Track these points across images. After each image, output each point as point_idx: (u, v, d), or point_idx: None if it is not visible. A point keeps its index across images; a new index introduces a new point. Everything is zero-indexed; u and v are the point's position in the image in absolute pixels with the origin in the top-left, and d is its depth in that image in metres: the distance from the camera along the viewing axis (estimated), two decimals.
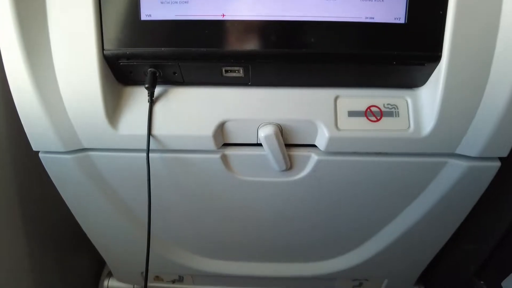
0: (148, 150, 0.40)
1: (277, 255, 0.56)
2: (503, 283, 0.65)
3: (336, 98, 0.41)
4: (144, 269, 0.58)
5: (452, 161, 0.43)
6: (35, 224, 0.56)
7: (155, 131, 0.41)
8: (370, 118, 0.41)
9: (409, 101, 0.41)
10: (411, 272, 0.60)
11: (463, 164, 0.43)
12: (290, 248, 0.54)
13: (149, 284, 0.62)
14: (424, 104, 0.41)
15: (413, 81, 0.41)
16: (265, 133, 0.40)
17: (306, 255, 0.56)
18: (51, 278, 0.63)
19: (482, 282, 0.67)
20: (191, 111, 0.41)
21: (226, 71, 0.40)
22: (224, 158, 0.43)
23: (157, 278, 0.61)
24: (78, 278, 0.74)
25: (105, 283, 0.65)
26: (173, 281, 0.61)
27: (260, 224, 0.50)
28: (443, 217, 0.49)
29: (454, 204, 0.47)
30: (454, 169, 0.43)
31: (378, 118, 0.41)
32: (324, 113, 0.41)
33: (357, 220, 0.50)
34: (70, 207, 0.49)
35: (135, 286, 0.64)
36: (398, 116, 0.41)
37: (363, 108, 0.41)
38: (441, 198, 0.46)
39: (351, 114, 0.41)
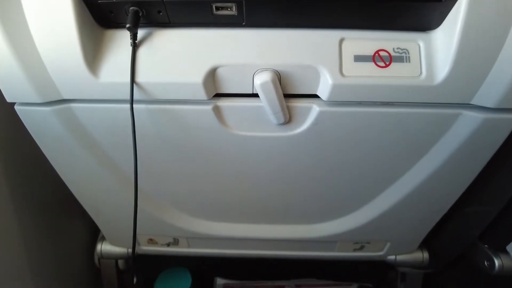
0: (131, 100, 0.37)
1: (275, 216, 0.53)
2: (508, 247, 0.64)
3: (341, 41, 0.37)
4: (138, 232, 0.56)
5: (467, 113, 0.39)
6: (24, 188, 0.53)
7: (139, 78, 0.37)
8: (378, 63, 0.37)
9: (422, 45, 0.37)
10: (414, 235, 0.57)
11: (479, 116, 0.39)
12: (288, 209, 0.51)
13: (142, 247, 0.61)
14: (438, 49, 0.36)
15: (427, 22, 0.37)
16: (261, 80, 0.36)
17: (305, 217, 0.53)
18: (43, 244, 0.61)
19: (486, 246, 0.65)
20: (178, 56, 0.37)
21: (217, 8, 0.35)
22: (217, 110, 0.39)
23: (151, 241, 0.59)
24: (72, 244, 0.73)
25: (98, 247, 0.63)
26: (168, 244, 0.59)
27: (256, 183, 0.47)
28: (452, 175, 0.46)
29: (465, 161, 0.44)
30: (468, 121, 0.40)
31: (387, 63, 0.37)
32: (327, 57, 0.36)
33: (361, 179, 0.47)
34: (54, 166, 0.46)
35: (129, 250, 0.62)
36: (409, 61, 0.37)
37: (370, 52, 0.37)
38: (452, 154, 0.43)
39: (358, 59, 0.37)
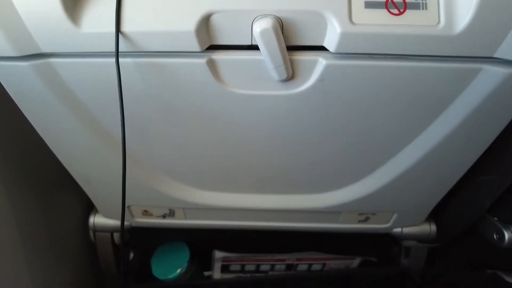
0: (117, 51, 0.33)
1: (276, 185, 0.50)
2: None
3: None
4: (131, 203, 0.53)
5: (488, 68, 0.35)
6: (12, 159, 0.50)
7: (125, 27, 0.33)
8: (391, 10, 0.33)
9: None
10: (422, 207, 0.55)
11: (502, 71, 0.35)
12: (290, 177, 0.48)
13: (137, 219, 0.58)
14: None
15: None
16: (261, 27, 0.32)
17: (308, 185, 0.50)
18: (35, 219, 0.59)
19: (495, 218, 0.63)
20: (168, 1, 0.33)
21: None
22: (211, 64, 0.35)
23: (146, 213, 0.56)
24: (66, 219, 0.70)
25: (91, 220, 0.60)
26: (163, 216, 0.56)
27: (256, 147, 0.44)
28: (467, 140, 0.43)
29: (482, 123, 0.41)
30: (489, 77, 0.36)
31: (401, 10, 0.33)
32: (335, 3, 0.32)
33: (369, 143, 0.43)
34: (36, 128, 0.43)
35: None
36: (426, 8, 0.33)
37: None
38: (469, 115, 0.39)
39: (369, 5, 0.33)
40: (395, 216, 0.55)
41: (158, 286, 0.70)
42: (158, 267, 0.73)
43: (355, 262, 0.74)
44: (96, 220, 0.60)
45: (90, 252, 0.79)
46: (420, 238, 0.60)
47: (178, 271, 0.71)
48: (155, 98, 0.39)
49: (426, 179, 0.49)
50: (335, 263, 0.73)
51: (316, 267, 0.73)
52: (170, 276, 0.71)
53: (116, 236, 0.77)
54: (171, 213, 0.56)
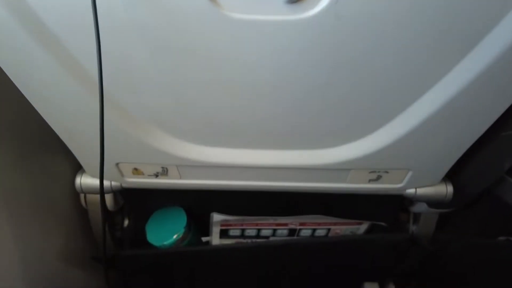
0: None
1: (280, 138, 0.45)
2: None
3: None
4: (119, 159, 0.48)
5: None
6: None
7: None
8: None
9: None
10: (440, 164, 0.49)
11: None
12: (295, 127, 0.43)
13: (127, 179, 0.53)
14: None
15: None
16: None
17: (315, 138, 0.45)
18: (19, 181, 0.54)
19: None
20: None
21: None
22: None
23: (136, 172, 0.51)
24: (55, 184, 0.66)
25: (77, 180, 0.55)
26: (156, 175, 0.51)
27: (257, 89, 0.38)
28: (494, 87, 0.37)
29: None
30: None
31: None
32: None
33: (386, 85, 0.38)
34: (7, 73, 0.37)
35: (112, 182, 0.55)
36: None
37: None
38: (501, 55, 0.33)
39: None
40: (409, 174, 0.50)
41: (152, 252, 0.67)
42: (153, 233, 0.69)
43: (362, 228, 0.70)
44: (83, 180, 0.55)
45: (83, 217, 0.75)
46: (434, 201, 0.55)
47: (175, 237, 0.67)
48: (140, 29, 0.33)
49: (446, 133, 0.43)
50: (340, 228, 0.68)
51: (320, 232, 0.69)
52: (166, 243, 0.67)
53: (109, 201, 0.72)
54: (164, 172, 0.51)
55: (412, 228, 0.77)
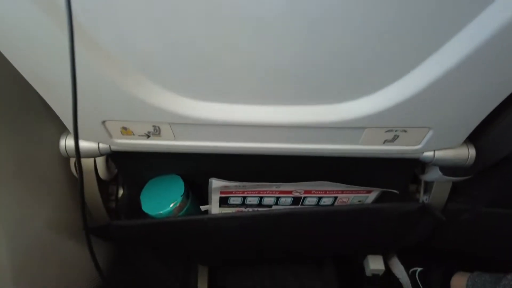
0: None
1: (285, 88, 0.39)
2: None
3: None
4: (105, 117, 0.43)
5: None
6: None
7: None
8: None
9: None
10: (464, 123, 0.44)
11: None
12: (303, 75, 0.37)
13: (116, 140, 0.48)
14: None
15: None
16: None
17: (326, 90, 0.39)
18: (6, 149, 0.49)
19: None
20: None
21: None
22: None
23: (126, 131, 0.46)
24: (43, 150, 0.61)
25: (62, 142, 0.50)
26: (147, 135, 0.46)
27: (260, 25, 0.32)
28: None
29: None
30: None
31: None
32: None
33: (408, 28, 0.32)
34: None
35: (100, 145, 0.50)
36: None
37: None
38: None
39: None
40: (429, 134, 0.45)
41: (148, 222, 0.63)
42: (149, 202, 0.65)
43: (371, 197, 0.66)
44: (68, 143, 0.50)
45: (75, 186, 0.70)
46: (453, 165, 0.50)
47: (171, 206, 0.63)
48: None
49: (471, 88, 0.38)
50: (348, 197, 0.64)
51: (326, 201, 0.65)
52: (162, 212, 0.63)
53: (101, 169, 0.68)
54: (156, 131, 0.45)
55: (423, 198, 0.73)
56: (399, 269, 1.10)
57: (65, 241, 0.68)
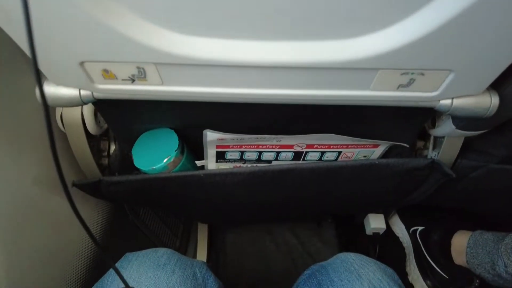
0: None
1: (290, 19, 0.33)
2: None
3: None
4: (84, 57, 0.38)
5: None
6: None
7: None
8: None
9: None
10: (489, 67, 0.39)
11: None
12: (310, 2, 0.31)
13: (98, 85, 0.43)
14: None
15: None
16: None
17: (334, 20, 0.33)
18: None
19: None
20: None
21: None
22: None
23: (108, 75, 0.41)
24: (20, 92, 0.57)
25: (38, 90, 0.45)
26: (132, 79, 0.41)
27: None
28: None
29: None
30: None
31: None
32: None
33: None
34: None
35: (81, 91, 0.45)
36: None
37: None
38: None
39: None
40: (449, 78, 0.40)
41: (140, 178, 0.59)
42: (141, 157, 0.61)
43: (377, 152, 0.62)
44: (46, 89, 0.45)
45: (64, 140, 0.66)
46: (473, 115, 0.45)
47: (165, 161, 0.59)
48: None
49: (499, 25, 0.32)
50: (353, 152, 0.60)
51: (330, 156, 0.61)
52: (155, 167, 0.59)
53: (90, 123, 0.63)
54: (141, 74, 0.40)
55: (431, 155, 0.69)
56: (400, 228, 1.09)
57: (56, 199, 0.65)
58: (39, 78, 0.23)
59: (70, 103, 0.46)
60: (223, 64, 0.37)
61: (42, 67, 0.41)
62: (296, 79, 0.40)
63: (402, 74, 0.39)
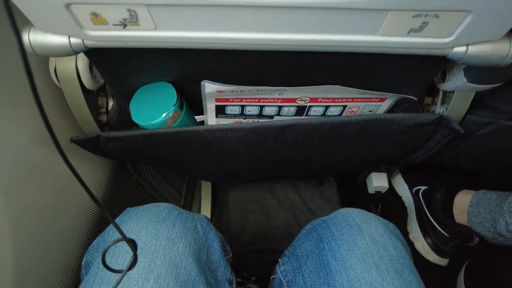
0: None
1: None
2: None
3: None
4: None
5: None
6: None
7: None
8: None
9: None
10: (509, 12, 0.35)
11: None
12: None
13: (88, 32, 0.40)
14: None
15: None
16: None
17: None
18: None
19: None
20: None
21: None
22: None
23: (97, 19, 0.38)
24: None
25: (25, 37, 0.42)
26: (123, 24, 0.38)
27: None
28: None
29: None
30: None
31: None
32: None
33: None
34: None
35: (71, 39, 0.42)
36: None
37: None
38: None
39: None
40: (466, 21, 0.36)
41: (139, 133, 0.58)
42: (139, 111, 0.59)
43: (383, 107, 0.60)
44: (33, 37, 0.42)
45: (60, 96, 0.65)
46: (488, 64, 0.42)
47: (163, 115, 0.58)
48: None
49: None
50: (358, 106, 0.58)
51: (334, 111, 0.59)
52: (154, 122, 0.58)
53: (85, 77, 0.61)
54: (133, 18, 0.37)
55: (439, 110, 0.67)
56: (402, 188, 1.09)
57: (55, 155, 0.64)
58: (13, 18, 0.21)
59: (60, 52, 0.43)
60: (220, 3, 0.34)
61: (27, 12, 0.38)
62: (299, 22, 0.37)
63: (414, 16, 0.35)
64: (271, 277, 0.57)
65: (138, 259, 0.42)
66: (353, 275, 0.41)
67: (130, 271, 0.41)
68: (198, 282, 0.42)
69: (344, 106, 0.57)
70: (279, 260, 0.56)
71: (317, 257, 0.47)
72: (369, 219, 0.49)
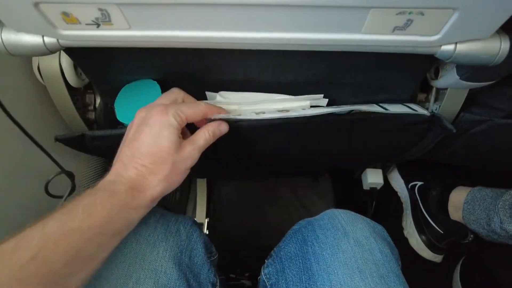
0: None
1: None
2: None
3: None
4: None
5: None
6: None
7: None
8: None
9: None
10: (500, 5, 0.34)
11: None
12: None
13: (61, 32, 0.39)
14: None
15: None
16: None
17: None
18: None
19: None
20: None
21: None
22: None
23: (69, 18, 0.37)
24: None
25: None
26: (96, 23, 0.37)
27: None
28: None
29: None
30: None
31: None
32: None
33: None
34: None
35: (45, 38, 0.41)
36: None
37: None
38: None
39: None
40: (453, 18, 0.35)
41: (123, 132, 0.57)
42: (124, 110, 0.58)
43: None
44: (5, 36, 0.41)
45: (42, 92, 0.64)
46: (478, 62, 0.41)
47: None
48: None
49: None
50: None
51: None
52: None
53: (70, 74, 0.60)
54: (105, 17, 0.36)
55: (432, 107, 0.65)
56: (398, 183, 1.08)
57: (37, 151, 0.63)
58: None
59: (36, 51, 0.42)
60: (192, 2, 0.32)
61: None
62: (278, 20, 0.35)
63: (398, 13, 0.34)
64: (258, 277, 0.56)
65: (117, 263, 0.42)
66: (336, 280, 0.40)
67: (110, 274, 0.41)
68: (179, 286, 0.42)
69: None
70: (266, 260, 0.56)
71: (300, 261, 0.46)
72: (355, 222, 0.48)
